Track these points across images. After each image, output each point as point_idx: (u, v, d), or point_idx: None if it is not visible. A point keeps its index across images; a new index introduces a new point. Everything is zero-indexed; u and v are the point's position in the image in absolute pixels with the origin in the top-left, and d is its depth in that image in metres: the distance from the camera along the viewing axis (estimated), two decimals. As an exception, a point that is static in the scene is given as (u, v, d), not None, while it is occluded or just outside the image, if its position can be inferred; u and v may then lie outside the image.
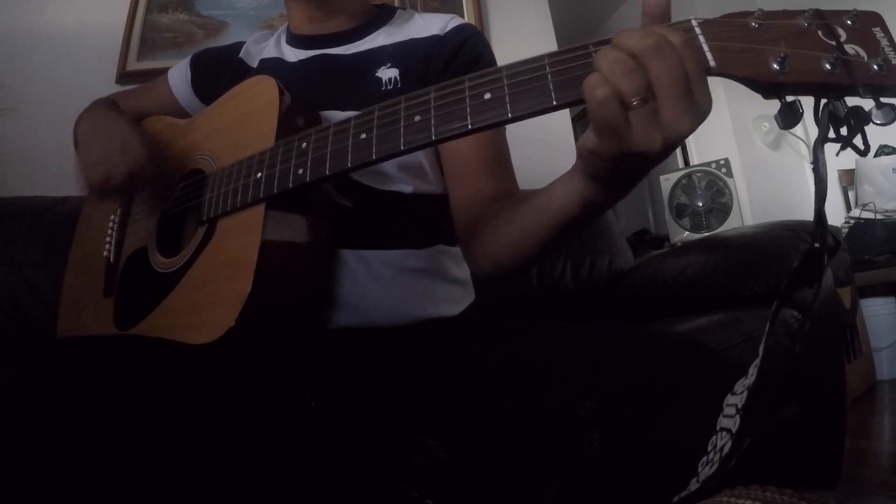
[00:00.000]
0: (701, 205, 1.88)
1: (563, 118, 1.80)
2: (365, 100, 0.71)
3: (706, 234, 1.80)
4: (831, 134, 0.36)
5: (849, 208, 2.54)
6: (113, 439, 0.46)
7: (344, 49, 0.79)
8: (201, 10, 1.75)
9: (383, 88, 0.73)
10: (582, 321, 1.12)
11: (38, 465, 0.42)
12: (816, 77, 0.37)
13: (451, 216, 0.75)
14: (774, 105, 0.39)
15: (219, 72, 0.85)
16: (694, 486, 0.36)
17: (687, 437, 0.43)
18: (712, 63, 0.38)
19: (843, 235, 2.28)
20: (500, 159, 0.74)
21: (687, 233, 1.89)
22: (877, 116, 0.36)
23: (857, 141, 0.36)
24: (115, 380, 0.49)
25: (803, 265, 0.35)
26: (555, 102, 0.41)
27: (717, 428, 0.37)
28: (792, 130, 2.13)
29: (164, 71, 0.91)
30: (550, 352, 0.56)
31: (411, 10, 0.85)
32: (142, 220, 0.76)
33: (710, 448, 0.37)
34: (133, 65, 1.66)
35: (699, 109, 0.39)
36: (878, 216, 2.29)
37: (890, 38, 0.37)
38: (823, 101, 0.37)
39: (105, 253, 0.78)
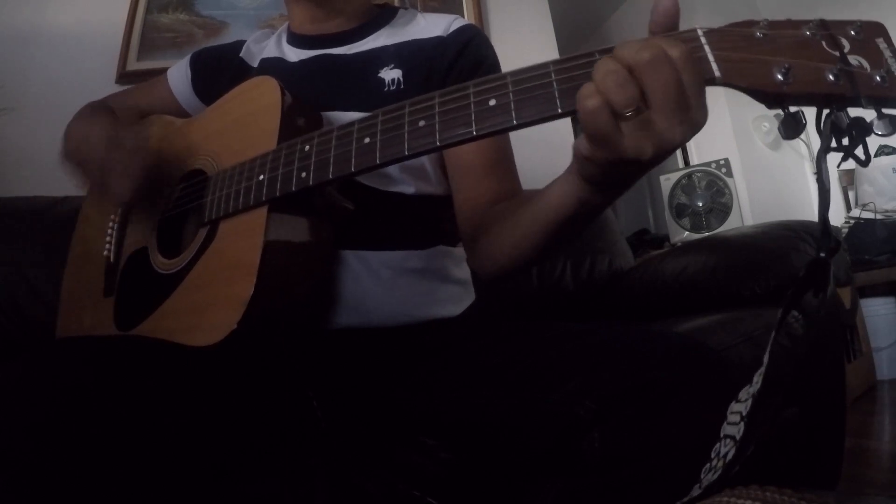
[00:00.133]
0: (701, 205, 1.89)
1: (566, 119, 1.80)
2: (367, 100, 0.71)
3: (706, 234, 1.80)
4: (833, 144, 0.36)
5: (849, 208, 2.54)
6: (113, 440, 0.46)
7: (346, 49, 0.79)
8: (201, 10, 1.75)
9: (386, 89, 0.73)
10: (582, 321, 1.12)
11: (38, 465, 0.42)
12: (820, 88, 0.37)
13: (452, 217, 0.75)
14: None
15: (219, 71, 0.84)
16: (696, 491, 0.36)
17: (687, 437, 0.43)
18: (717, 74, 0.38)
19: (843, 235, 2.28)
20: (503, 161, 0.74)
21: (687, 233, 1.89)
22: (878, 127, 0.36)
23: (859, 151, 0.36)
24: (115, 380, 0.49)
25: (808, 274, 0.35)
26: (560, 110, 0.42)
27: (721, 435, 0.37)
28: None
29: (163, 71, 0.91)
30: (550, 352, 0.56)
31: (413, 11, 0.85)
32: (142, 221, 0.76)
33: (713, 455, 0.37)
34: (133, 65, 1.66)
35: (694, 122, 0.39)
36: (878, 216, 2.29)
37: (893, 50, 0.37)
38: (826, 111, 0.37)
39: (105, 253, 0.78)
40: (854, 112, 0.37)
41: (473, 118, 0.44)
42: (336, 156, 0.52)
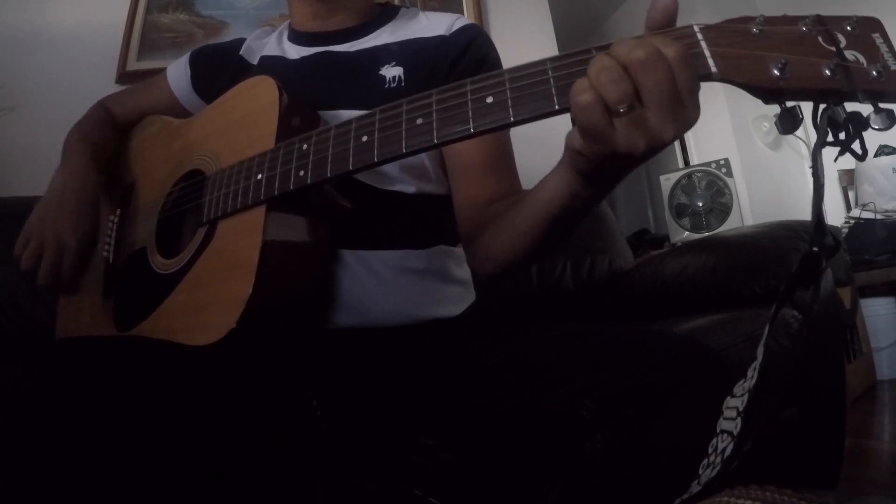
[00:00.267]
0: (701, 205, 1.89)
1: (563, 117, 1.80)
2: (368, 97, 0.71)
3: (706, 234, 1.80)
4: (830, 139, 0.37)
5: (849, 208, 2.54)
6: (113, 440, 0.46)
7: (347, 46, 0.79)
8: (201, 10, 1.75)
9: (386, 86, 0.73)
10: (582, 321, 1.12)
11: (38, 465, 0.42)
12: (816, 83, 0.37)
13: (452, 216, 0.75)
14: (774, 105, 0.39)
15: (219, 69, 0.84)
16: (695, 488, 0.36)
17: (687, 437, 0.43)
18: (714, 69, 0.39)
19: (843, 235, 2.28)
20: (503, 160, 0.74)
21: (687, 233, 1.89)
22: (875, 122, 0.36)
23: (855, 146, 0.36)
24: (115, 380, 0.49)
25: (801, 268, 0.35)
26: (557, 107, 0.42)
27: (718, 430, 0.37)
28: (792, 130, 2.13)
29: (163, 71, 0.91)
30: (550, 352, 0.56)
31: (415, 9, 0.85)
32: (141, 221, 0.76)
33: (710, 451, 0.37)
34: (133, 65, 1.66)
35: (687, 119, 0.39)
36: (878, 216, 2.29)
37: (889, 45, 0.37)
38: (823, 106, 0.37)
39: (104, 254, 0.78)
40: (851, 107, 0.37)
41: (471, 115, 0.44)
42: (334, 154, 0.52)
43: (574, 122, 0.42)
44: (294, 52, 0.81)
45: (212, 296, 0.59)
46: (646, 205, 3.44)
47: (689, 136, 2.82)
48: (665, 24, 0.41)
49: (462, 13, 1.80)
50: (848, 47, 0.37)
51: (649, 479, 0.44)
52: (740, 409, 0.35)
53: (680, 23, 0.42)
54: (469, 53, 0.75)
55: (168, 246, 0.71)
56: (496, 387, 0.56)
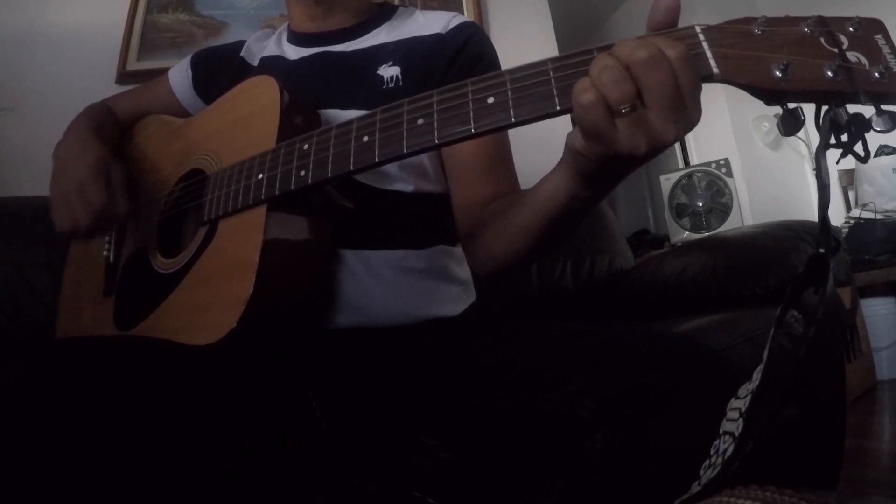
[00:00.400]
0: (701, 205, 1.89)
1: (563, 118, 1.80)
2: (366, 97, 0.72)
3: (706, 234, 1.80)
4: (832, 141, 0.36)
5: (849, 208, 2.54)
6: (113, 440, 0.46)
7: (345, 46, 0.79)
8: (201, 10, 1.75)
9: (384, 86, 0.73)
10: (582, 321, 1.12)
11: (38, 465, 0.42)
12: (818, 85, 0.37)
13: (452, 216, 0.75)
14: (775, 106, 0.39)
15: (220, 71, 0.85)
16: (696, 488, 0.36)
17: (687, 437, 0.43)
18: (716, 70, 0.39)
19: (843, 235, 2.28)
20: (501, 159, 0.74)
21: (687, 233, 1.89)
22: (877, 123, 0.36)
23: (858, 148, 0.36)
24: (115, 380, 0.49)
25: (808, 270, 0.35)
26: (558, 108, 0.42)
27: (721, 431, 0.37)
28: (792, 130, 2.14)
29: (164, 71, 0.91)
30: (550, 352, 0.56)
31: (412, 8, 0.85)
32: (142, 220, 0.76)
33: (712, 451, 0.37)
34: (133, 65, 1.66)
35: (688, 120, 0.39)
36: (878, 216, 2.29)
37: (891, 46, 0.37)
38: (825, 107, 0.37)
39: (105, 253, 0.78)
40: (853, 108, 0.37)
41: (472, 116, 0.44)
42: (335, 154, 0.52)
43: (575, 122, 0.42)
44: (293, 52, 0.81)
45: (212, 295, 0.59)
46: (646, 205, 3.44)
47: (690, 136, 2.82)
48: (667, 25, 0.41)
49: (462, 12, 1.80)
50: (850, 48, 0.37)
51: (649, 480, 0.44)
52: (743, 410, 0.35)
53: (680, 23, 0.42)
54: (465, 51, 0.75)
55: (169, 245, 0.71)
56: (496, 387, 0.56)
